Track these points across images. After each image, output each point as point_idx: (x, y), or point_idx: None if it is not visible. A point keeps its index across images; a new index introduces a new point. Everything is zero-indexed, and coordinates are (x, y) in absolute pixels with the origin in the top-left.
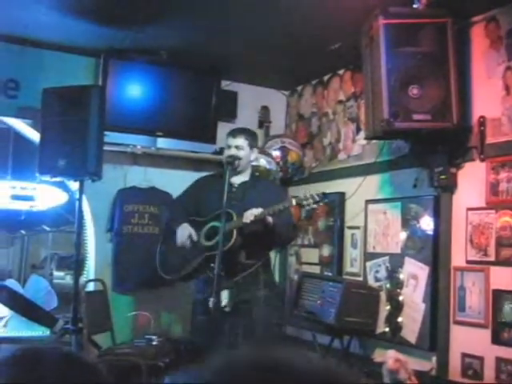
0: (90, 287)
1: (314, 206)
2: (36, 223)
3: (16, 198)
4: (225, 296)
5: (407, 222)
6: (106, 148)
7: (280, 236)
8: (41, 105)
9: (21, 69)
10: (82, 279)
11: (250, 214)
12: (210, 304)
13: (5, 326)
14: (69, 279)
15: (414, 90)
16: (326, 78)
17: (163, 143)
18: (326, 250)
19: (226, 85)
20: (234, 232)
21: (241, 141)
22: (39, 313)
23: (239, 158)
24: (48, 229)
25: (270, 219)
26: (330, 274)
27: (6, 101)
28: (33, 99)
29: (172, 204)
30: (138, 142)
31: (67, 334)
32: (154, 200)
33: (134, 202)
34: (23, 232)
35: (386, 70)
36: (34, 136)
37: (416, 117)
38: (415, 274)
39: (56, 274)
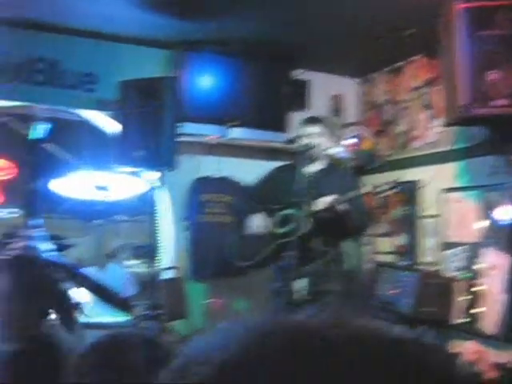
0: (168, 275)
1: (387, 194)
2: (111, 213)
3: (93, 187)
4: (302, 284)
5: (485, 210)
6: (180, 139)
7: (353, 224)
8: (118, 97)
9: (98, 62)
10: (159, 267)
11: (322, 202)
12: (292, 291)
13: (87, 312)
14: (142, 268)
15: (492, 75)
16: (399, 64)
17: (236, 133)
18: (401, 240)
19: (298, 74)
20: (307, 220)
21: (315, 129)
22: (118, 299)
23: (313, 147)
24: (123, 218)
25: (342, 207)
26: (404, 263)
27: (84, 94)
28: (110, 92)
29: (246, 193)
30: (211, 133)
31: (145, 321)
32: (227, 189)
33: (209, 192)
34: (98, 221)
35: (463, 55)
36: (111, 128)
37: (495, 102)
38: (494, 264)
39: (130, 262)
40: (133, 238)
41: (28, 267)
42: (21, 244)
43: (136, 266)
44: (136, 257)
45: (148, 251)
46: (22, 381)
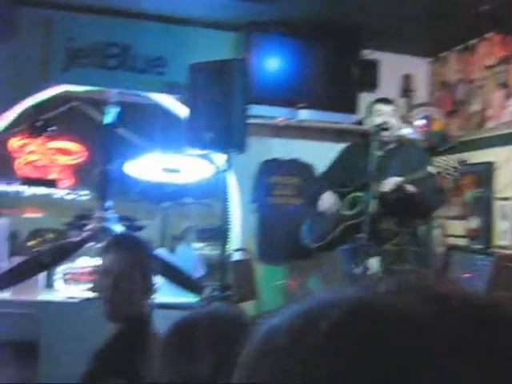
0: (237, 257)
1: (454, 174)
2: (180, 195)
3: (164, 170)
4: (373, 264)
5: None
6: (249, 121)
7: (424, 205)
8: (187, 80)
9: (168, 46)
10: (228, 249)
11: (389, 183)
12: (357, 272)
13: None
14: (208, 250)
15: None
16: (472, 42)
17: (305, 115)
18: (474, 223)
19: (367, 54)
20: (375, 201)
21: (387, 109)
22: (188, 280)
23: (384, 128)
24: (191, 201)
25: (410, 187)
26: (477, 247)
27: (154, 78)
28: (179, 75)
29: (315, 175)
30: (280, 115)
31: (215, 301)
32: (296, 171)
33: (277, 174)
34: (167, 204)
35: None
36: (181, 111)
37: None
38: None
39: (196, 245)
40: (200, 220)
41: (134, 246)
42: (95, 225)
43: (204, 248)
44: (202, 239)
45: (215, 233)
46: (127, 360)
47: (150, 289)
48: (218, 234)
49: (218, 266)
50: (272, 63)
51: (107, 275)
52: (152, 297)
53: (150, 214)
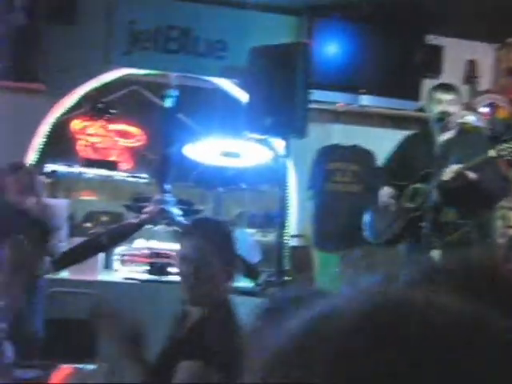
0: (294, 243)
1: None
2: (236, 180)
3: (223, 154)
4: (435, 256)
5: None
6: (309, 106)
7: (486, 192)
8: (248, 64)
9: (228, 30)
10: (285, 235)
11: (450, 171)
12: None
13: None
14: (259, 236)
15: None
16: None
17: (366, 100)
18: None
19: (431, 39)
20: (436, 191)
21: (449, 96)
22: (244, 265)
23: (449, 114)
24: (246, 186)
25: (471, 174)
26: None
27: (214, 61)
28: (239, 59)
29: (375, 164)
30: (340, 100)
31: (271, 287)
32: (356, 158)
33: (336, 160)
34: (220, 189)
35: None
36: (241, 95)
37: None
38: None
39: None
40: (252, 206)
41: (215, 230)
42: (153, 208)
43: (255, 233)
44: (254, 225)
45: (268, 219)
46: (209, 344)
47: (232, 273)
48: (270, 219)
49: (274, 252)
50: (333, 48)
51: (187, 261)
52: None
53: (204, 199)
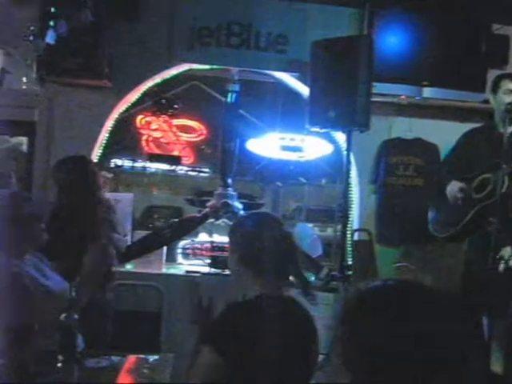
0: (356, 237)
1: None
2: (296, 175)
3: (284, 149)
4: (507, 252)
5: None
6: (371, 99)
7: None
8: (309, 57)
9: (289, 24)
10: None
11: None
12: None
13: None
14: (317, 231)
15: None
16: None
17: (429, 93)
18: None
19: (497, 28)
20: (506, 180)
21: None
22: (306, 259)
23: None
24: (305, 181)
25: None
26: None
27: (275, 55)
28: (300, 53)
29: (440, 157)
30: (402, 92)
31: (333, 281)
32: (419, 151)
33: (399, 154)
34: (279, 184)
35: None
36: (302, 89)
37: None
38: None
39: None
40: (310, 200)
41: (265, 224)
42: (216, 202)
43: (319, 228)
44: (309, 220)
45: (329, 214)
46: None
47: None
48: (328, 214)
49: (333, 246)
50: (395, 39)
51: (234, 254)
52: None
53: (261, 194)
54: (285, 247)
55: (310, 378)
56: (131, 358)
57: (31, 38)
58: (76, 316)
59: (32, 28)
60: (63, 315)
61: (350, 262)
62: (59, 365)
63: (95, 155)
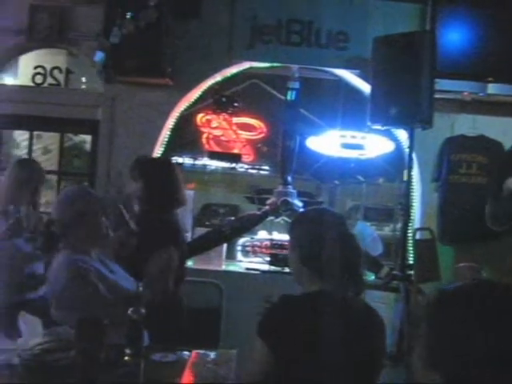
0: (418, 236)
1: None
2: (355, 173)
3: (346, 146)
4: None
5: None
6: (434, 95)
7: None
8: (371, 54)
9: (349, 20)
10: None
11: None
12: None
13: None
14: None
15: None
16: None
17: (493, 89)
18: None
19: None
20: None
21: None
22: (366, 258)
23: None
24: (363, 179)
25: None
26: None
27: (336, 52)
28: (361, 49)
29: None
30: (465, 89)
31: (394, 280)
32: (482, 149)
33: (462, 151)
34: (336, 182)
35: None
36: (363, 86)
37: None
38: None
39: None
40: (366, 199)
41: (326, 220)
42: (276, 200)
43: (375, 226)
44: (366, 219)
45: (386, 213)
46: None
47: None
48: (386, 213)
49: (392, 245)
50: (458, 35)
51: (294, 250)
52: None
53: (318, 192)
54: (347, 245)
55: (375, 379)
56: (196, 353)
57: (96, 37)
58: (143, 311)
59: (97, 28)
60: (131, 309)
61: (411, 261)
62: (126, 358)
63: (157, 153)
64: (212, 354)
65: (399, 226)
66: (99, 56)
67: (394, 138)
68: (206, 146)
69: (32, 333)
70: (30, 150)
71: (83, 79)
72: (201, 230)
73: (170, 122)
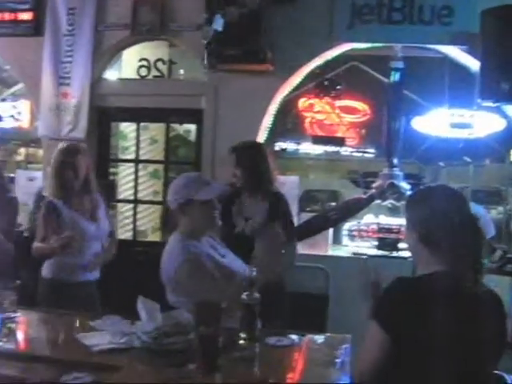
0: None
1: None
2: (462, 154)
3: (454, 126)
4: None
5: None
6: None
7: None
8: (479, 28)
9: None
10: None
11: None
12: None
13: None
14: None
15: None
16: None
17: None
18: None
19: None
20: None
21: None
22: None
23: None
24: (469, 160)
25: None
26: None
27: (441, 28)
28: (468, 24)
29: None
30: None
31: (508, 264)
32: None
33: None
34: (441, 164)
35: None
36: (470, 62)
37: None
38: None
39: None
40: (476, 181)
41: (446, 198)
42: (383, 183)
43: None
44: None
45: (494, 195)
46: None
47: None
48: (493, 195)
49: (506, 228)
50: None
51: (412, 230)
52: None
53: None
54: (470, 226)
55: (494, 365)
56: (309, 337)
57: (201, 25)
58: (257, 295)
59: (198, 19)
60: (245, 293)
61: None
62: (241, 342)
63: (261, 139)
64: (324, 338)
65: (509, 207)
66: (218, 22)
67: (505, 115)
68: (310, 131)
69: (151, 316)
70: (138, 141)
71: (184, 70)
72: (305, 216)
73: (273, 108)
